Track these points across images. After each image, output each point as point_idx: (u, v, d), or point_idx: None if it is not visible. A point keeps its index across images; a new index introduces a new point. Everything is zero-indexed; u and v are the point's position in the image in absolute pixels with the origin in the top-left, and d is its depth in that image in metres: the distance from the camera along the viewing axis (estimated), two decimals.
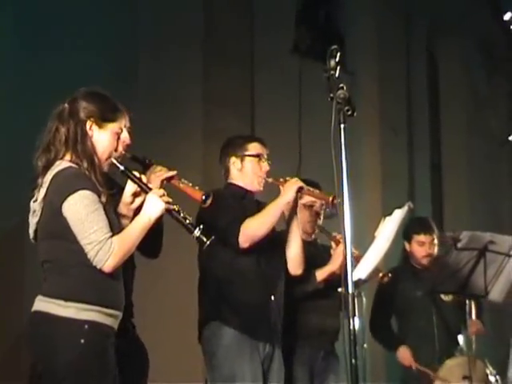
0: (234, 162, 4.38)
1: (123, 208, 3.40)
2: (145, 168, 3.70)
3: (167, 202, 3.27)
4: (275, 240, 4.33)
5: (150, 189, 3.32)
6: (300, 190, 4.23)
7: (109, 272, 3.14)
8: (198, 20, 6.99)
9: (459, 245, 4.82)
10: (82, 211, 3.09)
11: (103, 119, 3.30)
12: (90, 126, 3.28)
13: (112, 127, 3.32)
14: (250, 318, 4.15)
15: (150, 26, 6.56)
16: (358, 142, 8.08)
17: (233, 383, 4.07)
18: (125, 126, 3.39)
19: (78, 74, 5.19)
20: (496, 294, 4.96)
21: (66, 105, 3.29)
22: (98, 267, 3.12)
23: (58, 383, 3.09)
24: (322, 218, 4.88)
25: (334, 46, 3.29)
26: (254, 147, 4.40)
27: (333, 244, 4.76)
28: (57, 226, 3.15)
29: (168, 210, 3.28)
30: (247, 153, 4.37)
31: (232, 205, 4.26)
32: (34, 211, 3.22)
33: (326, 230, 4.88)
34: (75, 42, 5.69)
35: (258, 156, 4.37)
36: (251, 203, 4.37)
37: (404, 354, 5.36)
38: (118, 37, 6.13)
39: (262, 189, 4.40)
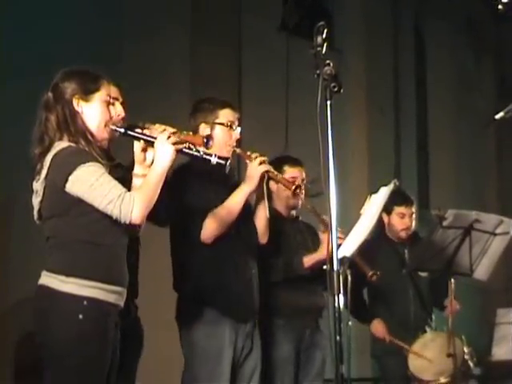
0: (204, 130, 4.11)
1: (139, 169, 3.35)
2: None
3: (175, 143, 3.22)
4: (245, 213, 4.15)
5: (156, 138, 3.25)
6: (265, 173, 4.08)
7: (139, 223, 3.14)
8: None
9: (445, 223, 4.82)
10: (91, 178, 3.08)
11: (87, 92, 3.28)
12: (78, 103, 3.26)
13: (99, 96, 3.30)
14: (231, 299, 4.04)
15: (137, 3, 6.52)
16: (344, 121, 8.09)
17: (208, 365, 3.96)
18: (116, 99, 3.38)
19: (63, 55, 5.15)
20: (481, 272, 4.98)
21: (50, 93, 3.28)
22: (127, 222, 3.09)
23: (54, 356, 3.09)
24: (303, 194, 4.56)
25: (321, 23, 3.27)
26: (225, 114, 4.15)
27: (321, 227, 4.63)
28: (60, 204, 3.15)
29: (179, 150, 3.24)
30: (218, 120, 4.12)
31: (195, 186, 4.02)
32: (37, 191, 3.21)
33: (316, 211, 4.63)
34: (62, 24, 5.65)
35: (229, 124, 4.14)
36: (219, 178, 4.05)
37: (378, 327, 5.38)
38: (105, 15, 6.09)
39: (230, 157, 4.05)
